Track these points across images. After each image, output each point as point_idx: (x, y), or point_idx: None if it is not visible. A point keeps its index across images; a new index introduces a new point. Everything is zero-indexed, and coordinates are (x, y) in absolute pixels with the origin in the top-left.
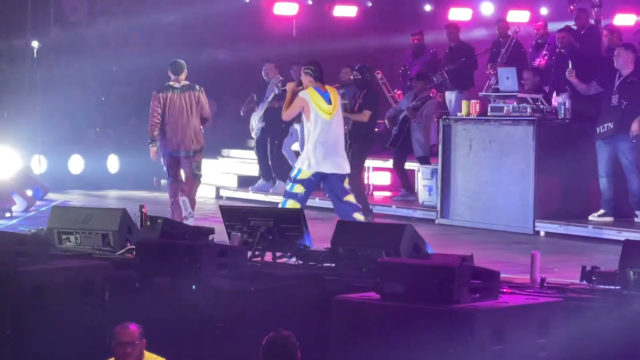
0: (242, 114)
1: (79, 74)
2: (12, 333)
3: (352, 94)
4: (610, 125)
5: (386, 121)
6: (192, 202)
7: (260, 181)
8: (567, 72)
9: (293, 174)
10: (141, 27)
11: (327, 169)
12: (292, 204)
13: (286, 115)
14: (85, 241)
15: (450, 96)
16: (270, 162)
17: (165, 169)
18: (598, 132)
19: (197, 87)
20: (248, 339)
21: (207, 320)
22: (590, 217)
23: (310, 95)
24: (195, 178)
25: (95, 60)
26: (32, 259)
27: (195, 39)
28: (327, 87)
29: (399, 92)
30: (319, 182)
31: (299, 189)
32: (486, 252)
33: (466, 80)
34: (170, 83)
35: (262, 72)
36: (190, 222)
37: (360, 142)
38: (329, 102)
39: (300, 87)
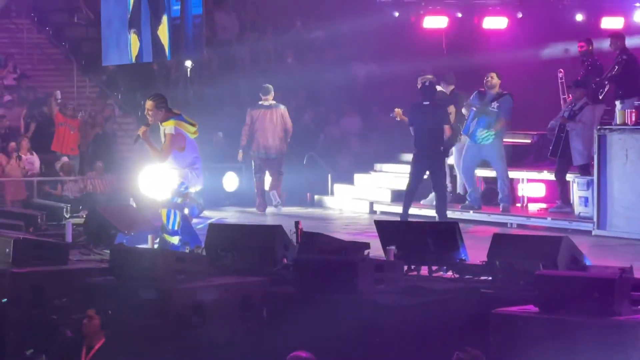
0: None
1: (231, 92)
2: (173, 349)
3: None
4: None
5: (547, 132)
6: (279, 194)
7: (432, 194)
8: None
9: None
10: (291, 43)
11: None
12: None
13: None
14: (243, 258)
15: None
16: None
17: (254, 169)
18: None
19: (282, 106)
20: (407, 354)
21: (365, 335)
22: None
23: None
24: (280, 175)
25: (247, 77)
26: (191, 276)
27: (344, 53)
28: None
29: (570, 98)
30: None
31: None
32: None
33: (630, 88)
34: (261, 102)
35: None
36: (279, 209)
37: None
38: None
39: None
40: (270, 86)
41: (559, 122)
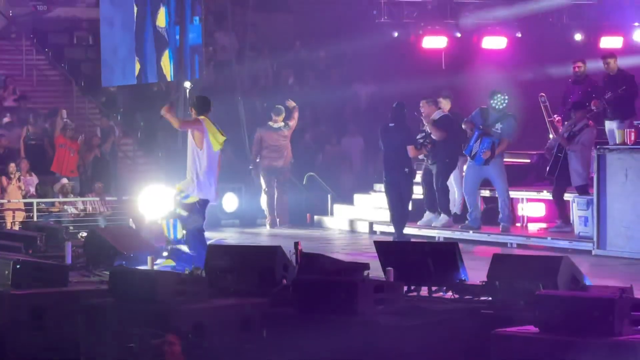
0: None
1: (231, 112)
2: None
3: None
4: None
5: (545, 151)
6: (283, 222)
7: (427, 214)
8: None
9: None
10: (291, 63)
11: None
12: None
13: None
14: (242, 279)
15: (610, 126)
16: (435, 195)
17: (265, 185)
18: None
19: (290, 124)
20: None
21: (365, 356)
22: None
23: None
24: (284, 195)
25: (246, 98)
26: (190, 297)
27: (345, 74)
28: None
29: (559, 118)
30: None
31: None
32: None
33: (627, 109)
34: (270, 123)
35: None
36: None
37: None
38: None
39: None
40: (282, 107)
41: (558, 142)
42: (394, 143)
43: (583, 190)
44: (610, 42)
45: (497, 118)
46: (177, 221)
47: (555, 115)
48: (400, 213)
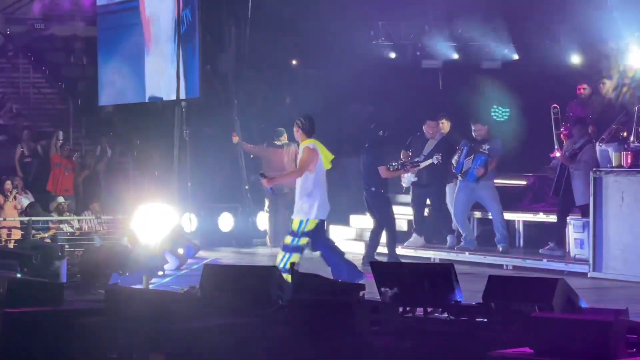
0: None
1: (227, 131)
2: None
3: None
4: None
5: (549, 171)
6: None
7: (414, 236)
8: None
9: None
10: (287, 82)
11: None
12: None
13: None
14: (237, 299)
15: (606, 147)
16: (431, 217)
17: (268, 206)
18: None
19: (294, 144)
20: None
21: None
22: None
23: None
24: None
25: (243, 116)
26: (185, 317)
27: (341, 93)
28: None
29: (566, 131)
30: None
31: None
32: None
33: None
34: (275, 141)
35: (424, 128)
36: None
37: None
38: None
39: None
40: (283, 129)
41: (560, 161)
42: (366, 163)
43: (586, 209)
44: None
45: (484, 140)
46: (292, 254)
47: (562, 129)
48: (381, 233)
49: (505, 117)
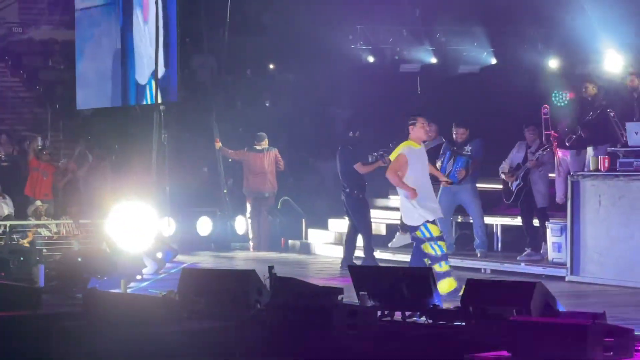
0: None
1: (207, 135)
2: None
3: None
4: None
5: (503, 176)
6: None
7: (397, 235)
8: None
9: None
10: (267, 86)
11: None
12: None
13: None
14: (216, 303)
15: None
16: None
17: (250, 211)
18: None
19: (274, 149)
20: None
21: None
22: None
23: None
24: (267, 216)
25: (223, 120)
26: (163, 321)
27: (319, 97)
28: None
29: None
30: None
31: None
32: (619, 309)
33: (601, 135)
34: (255, 146)
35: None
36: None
37: None
38: None
39: None
40: (264, 134)
41: (528, 167)
42: (341, 166)
43: (544, 213)
44: (584, 68)
45: (465, 142)
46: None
47: (552, 130)
48: (357, 236)
49: (566, 103)
